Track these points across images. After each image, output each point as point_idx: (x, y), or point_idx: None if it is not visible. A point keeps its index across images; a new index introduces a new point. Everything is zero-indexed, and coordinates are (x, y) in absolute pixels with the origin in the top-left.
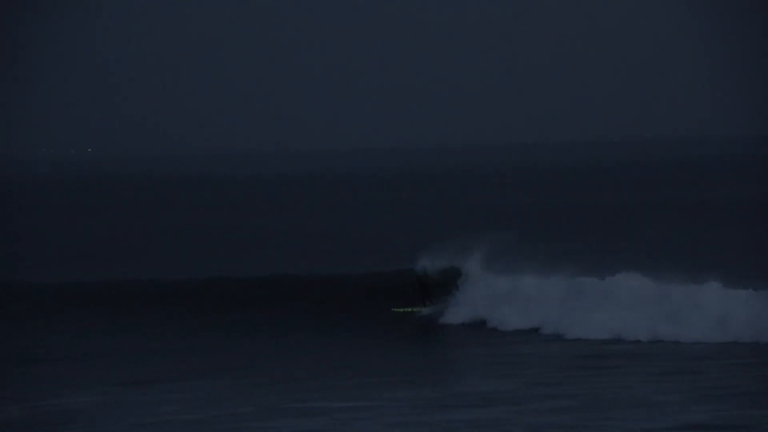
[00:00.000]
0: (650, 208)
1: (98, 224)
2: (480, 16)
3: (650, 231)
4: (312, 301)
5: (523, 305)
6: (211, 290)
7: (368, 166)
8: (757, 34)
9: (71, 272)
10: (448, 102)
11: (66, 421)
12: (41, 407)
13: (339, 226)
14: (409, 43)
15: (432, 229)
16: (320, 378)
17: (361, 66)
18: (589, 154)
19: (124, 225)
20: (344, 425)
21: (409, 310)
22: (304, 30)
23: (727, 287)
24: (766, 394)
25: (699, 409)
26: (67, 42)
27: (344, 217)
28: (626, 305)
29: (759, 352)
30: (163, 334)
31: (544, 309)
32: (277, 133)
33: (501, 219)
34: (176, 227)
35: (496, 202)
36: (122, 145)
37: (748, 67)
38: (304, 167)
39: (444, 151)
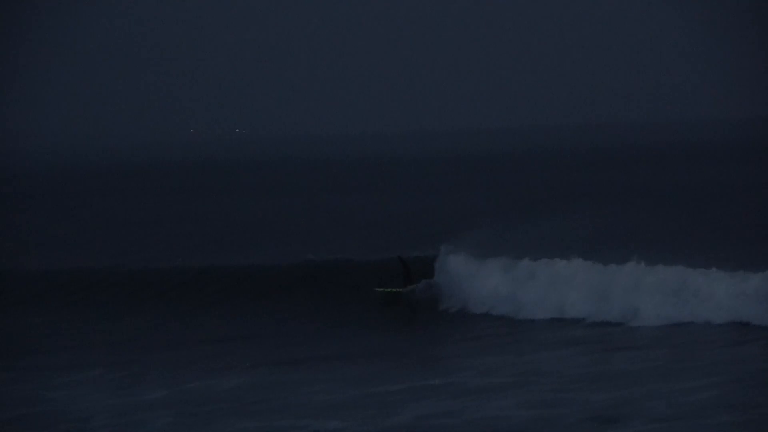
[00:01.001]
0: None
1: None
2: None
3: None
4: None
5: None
6: (296, 275)
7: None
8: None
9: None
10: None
11: (212, 402)
12: (188, 389)
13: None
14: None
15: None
16: (461, 357)
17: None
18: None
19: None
20: (486, 403)
21: (390, 290)
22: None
23: None
24: None
25: None
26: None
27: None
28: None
29: None
30: (289, 319)
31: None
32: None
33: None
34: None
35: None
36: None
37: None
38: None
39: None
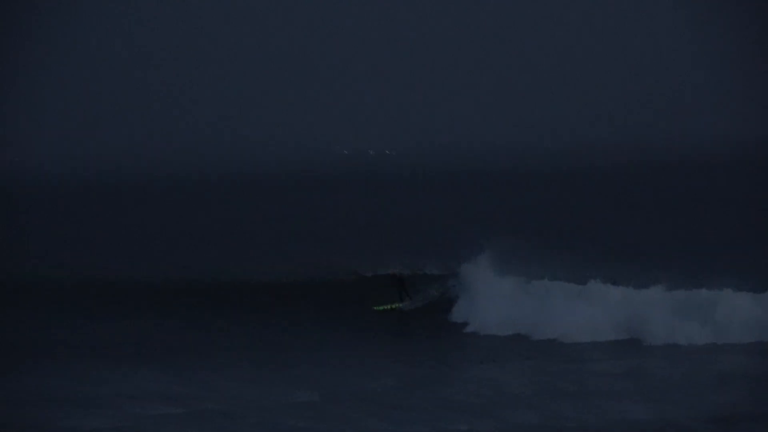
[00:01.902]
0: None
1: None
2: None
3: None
4: None
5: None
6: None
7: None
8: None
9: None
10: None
11: (360, 402)
12: (338, 391)
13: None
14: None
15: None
16: (596, 359)
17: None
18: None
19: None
20: (606, 405)
21: (389, 307)
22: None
23: None
24: None
25: None
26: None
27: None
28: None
29: None
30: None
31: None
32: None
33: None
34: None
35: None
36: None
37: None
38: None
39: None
